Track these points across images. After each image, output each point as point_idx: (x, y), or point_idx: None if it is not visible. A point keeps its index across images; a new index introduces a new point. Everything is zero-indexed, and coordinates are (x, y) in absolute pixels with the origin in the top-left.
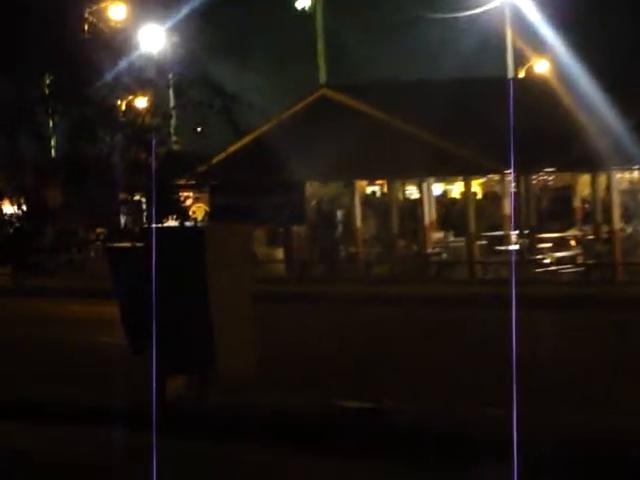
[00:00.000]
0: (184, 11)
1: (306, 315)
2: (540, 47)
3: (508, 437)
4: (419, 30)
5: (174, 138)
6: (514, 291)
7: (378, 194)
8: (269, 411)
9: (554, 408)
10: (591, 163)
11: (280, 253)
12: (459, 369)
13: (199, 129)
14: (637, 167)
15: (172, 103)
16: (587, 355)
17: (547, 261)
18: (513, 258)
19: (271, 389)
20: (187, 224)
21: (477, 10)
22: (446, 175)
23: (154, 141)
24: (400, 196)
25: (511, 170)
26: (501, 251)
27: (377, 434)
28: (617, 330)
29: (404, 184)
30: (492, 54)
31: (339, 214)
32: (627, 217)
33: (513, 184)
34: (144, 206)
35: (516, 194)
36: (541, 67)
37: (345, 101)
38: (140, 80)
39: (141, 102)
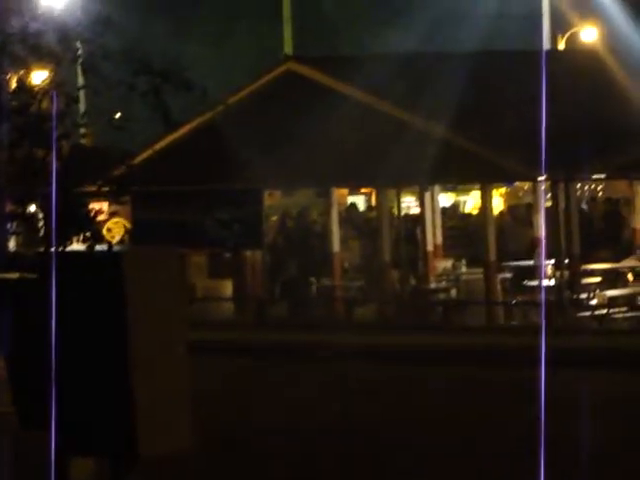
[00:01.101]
0: None
1: (261, 373)
2: (588, 9)
3: None
4: None
5: (82, 130)
6: (544, 344)
7: (363, 207)
8: None
9: None
10: None
11: (228, 287)
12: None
13: (117, 117)
14: None
15: (80, 82)
16: None
17: (594, 302)
18: (546, 297)
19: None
20: (99, 247)
21: None
22: (457, 182)
23: (55, 133)
24: (394, 210)
25: (544, 176)
26: (531, 287)
27: None
28: None
29: (399, 194)
30: (520, 20)
31: (310, 234)
32: None
33: (547, 195)
34: (40, 222)
35: (552, 209)
36: (588, 35)
37: (319, 79)
38: (36, 50)
39: (37, 80)
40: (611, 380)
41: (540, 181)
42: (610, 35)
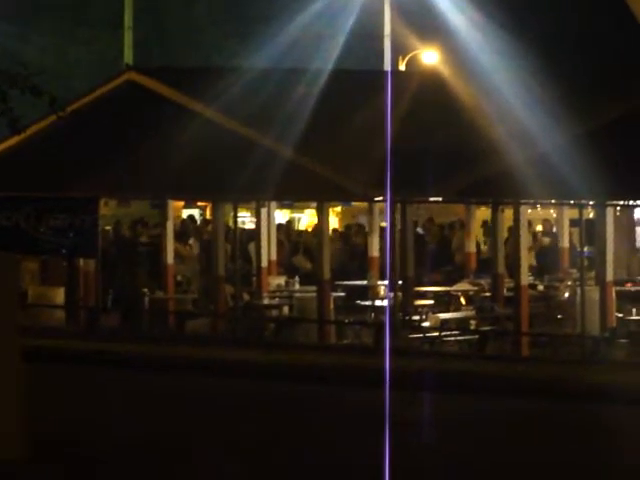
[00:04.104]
0: None
1: (92, 382)
2: (429, 32)
3: None
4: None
5: None
6: (387, 365)
7: (198, 220)
8: None
9: None
10: (496, 192)
11: (60, 295)
12: None
13: None
14: (566, 201)
15: None
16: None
17: (427, 324)
18: (379, 318)
19: None
20: None
21: None
22: (294, 199)
23: None
24: (229, 224)
25: (384, 197)
26: (365, 307)
27: None
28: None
29: (235, 208)
30: (368, 42)
31: (143, 245)
32: (540, 269)
33: (387, 216)
34: None
35: (388, 230)
36: (429, 58)
37: (159, 90)
38: None
39: None
40: (438, 401)
41: (376, 202)
42: (452, 57)
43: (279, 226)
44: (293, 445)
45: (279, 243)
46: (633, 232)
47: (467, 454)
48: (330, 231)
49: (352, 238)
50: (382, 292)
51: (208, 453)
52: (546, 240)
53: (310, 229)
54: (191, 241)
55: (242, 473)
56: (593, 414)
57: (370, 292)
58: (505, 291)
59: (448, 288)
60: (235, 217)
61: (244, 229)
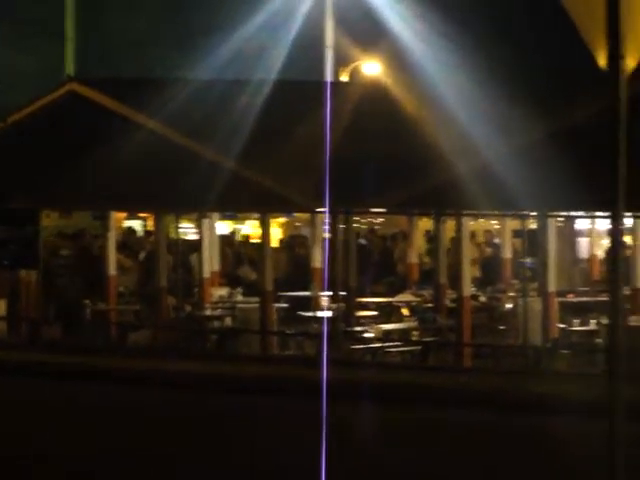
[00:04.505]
0: None
1: (31, 394)
2: (371, 42)
3: None
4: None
5: None
6: (324, 376)
7: (140, 232)
8: None
9: None
10: (439, 203)
11: (1, 307)
12: None
13: None
14: (508, 212)
15: None
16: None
17: (369, 335)
18: (322, 329)
19: None
20: None
21: None
22: (236, 210)
23: None
24: (171, 236)
25: (325, 208)
26: (307, 318)
27: None
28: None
29: (178, 220)
30: (311, 53)
31: (85, 257)
32: (482, 280)
33: (327, 227)
34: None
35: (330, 241)
36: (371, 69)
37: (101, 101)
38: None
39: None
40: (379, 413)
41: (319, 212)
42: (394, 68)
43: (222, 237)
44: (227, 456)
45: (222, 254)
46: (575, 243)
47: (402, 465)
48: (274, 242)
49: (295, 249)
50: (325, 303)
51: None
52: (488, 251)
53: (253, 240)
54: (142, 255)
55: None
56: (535, 425)
57: (313, 303)
58: (448, 302)
59: (390, 299)
60: (177, 228)
61: (186, 240)
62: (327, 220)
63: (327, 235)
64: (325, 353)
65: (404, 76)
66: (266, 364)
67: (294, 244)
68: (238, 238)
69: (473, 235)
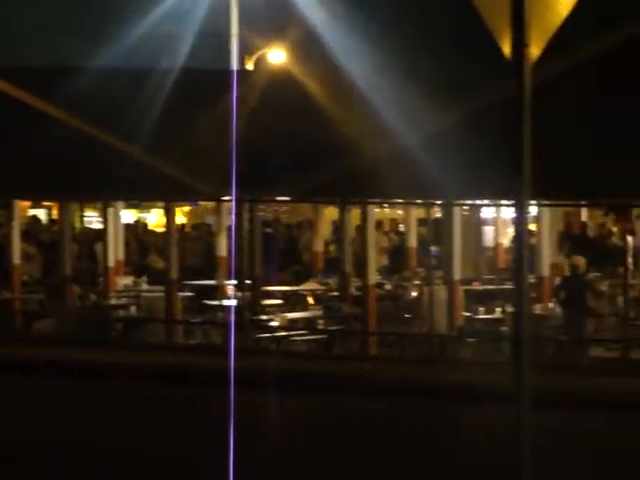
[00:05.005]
0: None
1: None
2: (276, 31)
3: None
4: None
5: None
6: (232, 365)
7: (45, 220)
8: None
9: None
10: (344, 191)
11: None
12: None
13: None
14: (414, 201)
15: None
16: None
17: (275, 324)
18: (228, 318)
19: None
20: None
21: None
22: (141, 199)
23: None
24: (77, 224)
25: (231, 196)
26: (212, 307)
27: None
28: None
29: (82, 208)
30: (218, 41)
31: None
32: (390, 268)
33: (232, 216)
34: None
35: (236, 230)
36: (276, 57)
37: (5, 89)
38: None
39: None
40: (284, 401)
41: (224, 201)
42: (302, 56)
43: (127, 226)
44: (135, 445)
45: (127, 243)
46: (480, 231)
47: (305, 454)
48: (179, 230)
49: (201, 238)
50: (230, 292)
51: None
52: (395, 239)
53: (158, 229)
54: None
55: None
56: (440, 413)
57: (218, 292)
58: (353, 291)
59: (296, 288)
60: (82, 217)
61: (91, 229)
62: (233, 209)
63: (232, 223)
64: (231, 342)
65: (311, 64)
66: (171, 353)
67: (199, 232)
68: (143, 227)
69: (380, 224)
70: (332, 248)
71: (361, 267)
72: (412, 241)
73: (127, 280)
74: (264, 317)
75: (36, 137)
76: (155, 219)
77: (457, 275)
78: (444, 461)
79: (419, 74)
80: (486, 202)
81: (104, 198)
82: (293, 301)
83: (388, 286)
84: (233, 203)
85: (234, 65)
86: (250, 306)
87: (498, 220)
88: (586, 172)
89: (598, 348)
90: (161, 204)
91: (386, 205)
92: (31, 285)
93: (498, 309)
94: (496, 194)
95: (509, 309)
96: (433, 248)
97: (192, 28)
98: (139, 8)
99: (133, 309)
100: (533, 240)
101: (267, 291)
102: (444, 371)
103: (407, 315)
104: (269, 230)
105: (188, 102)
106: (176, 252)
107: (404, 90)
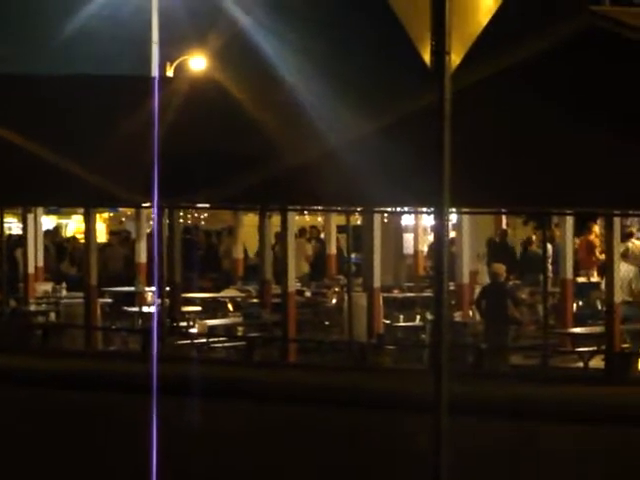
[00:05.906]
0: None
1: None
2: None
3: None
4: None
5: None
6: (155, 372)
7: None
8: None
9: None
10: (265, 198)
11: None
12: None
13: None
14: (334, 208)
15: None
16: None
17: (194, 331)
18: (146, 325)
19: None
20: None
21: None
22: (61, 205)
23: None
24: None
25: (151, 203)
26: (131, 313)
27: None
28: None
29: (1, 214)
30: (139, 48)
31: None
32: (311, 275)
33: (153, 222)
34: None
35: (155, 236)
36: (197, 64)
37: None
38: None
39: None
40: (204, 408)
41: (144, 208)
42: (223, 63)
43: (46, 232)
44: (53, 451)
45: (46, 249)
46: (400, 238)
47: (217, 460)
48: (99, 237)
49: (120, 244)
50: (150, 298)
51: None
52: (315, 246)
53: (77, 235)
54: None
55: None
56: (359, 420)
57: (138, 298)
58: (273, 298)
59: (216, 295)
60: (1, 223)
61: (11, 235)
62: (154, 215)
63: (152, 230)
64: (154, 348)
65: (232, 71)
66: (90, 359)
67: (118, 239)
68: (63, 233)
69: (304, 231)
70: (252, 255)
71: (281, 274)
72: (332, 248)
73: (47, 286)
74: (183, 324)
75: None
76: (75, 225)
77: (377, 282)
78: (359, 468)
79: (342, 81)
80: (406, 209)
81: (23, 204)
82: (213, 308)
83: (308, 293)
84: (154, 209)
85: (155, 72)
86: (169, 313)
87: (418, 227)
88: (506, 180)
89: (517, 356)
90: (81, 210)
91: (306, 212)
92: None
93: (418, 316)
94: (416, 201)
95: (429, 316)
96: (353, 255)
97: (113, 34)
98: (62, 12)
99: (52, 315)
100: (452, 248)
101: (186, 298)
102: (363, 379)
103: (327, 322)
104: (189, 237)
105: (109, 108)
106: (95, 258)
107: (326, 97)
